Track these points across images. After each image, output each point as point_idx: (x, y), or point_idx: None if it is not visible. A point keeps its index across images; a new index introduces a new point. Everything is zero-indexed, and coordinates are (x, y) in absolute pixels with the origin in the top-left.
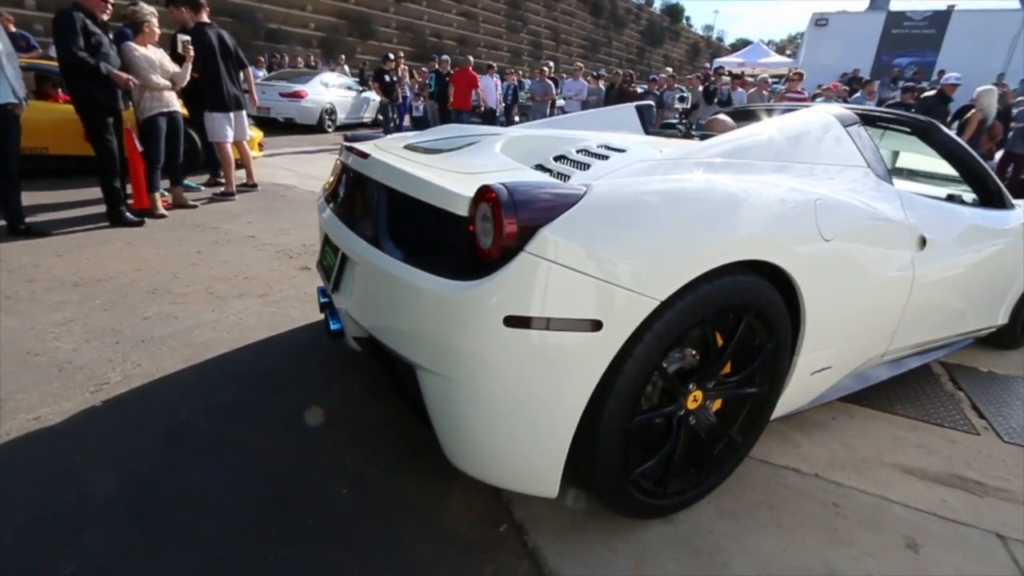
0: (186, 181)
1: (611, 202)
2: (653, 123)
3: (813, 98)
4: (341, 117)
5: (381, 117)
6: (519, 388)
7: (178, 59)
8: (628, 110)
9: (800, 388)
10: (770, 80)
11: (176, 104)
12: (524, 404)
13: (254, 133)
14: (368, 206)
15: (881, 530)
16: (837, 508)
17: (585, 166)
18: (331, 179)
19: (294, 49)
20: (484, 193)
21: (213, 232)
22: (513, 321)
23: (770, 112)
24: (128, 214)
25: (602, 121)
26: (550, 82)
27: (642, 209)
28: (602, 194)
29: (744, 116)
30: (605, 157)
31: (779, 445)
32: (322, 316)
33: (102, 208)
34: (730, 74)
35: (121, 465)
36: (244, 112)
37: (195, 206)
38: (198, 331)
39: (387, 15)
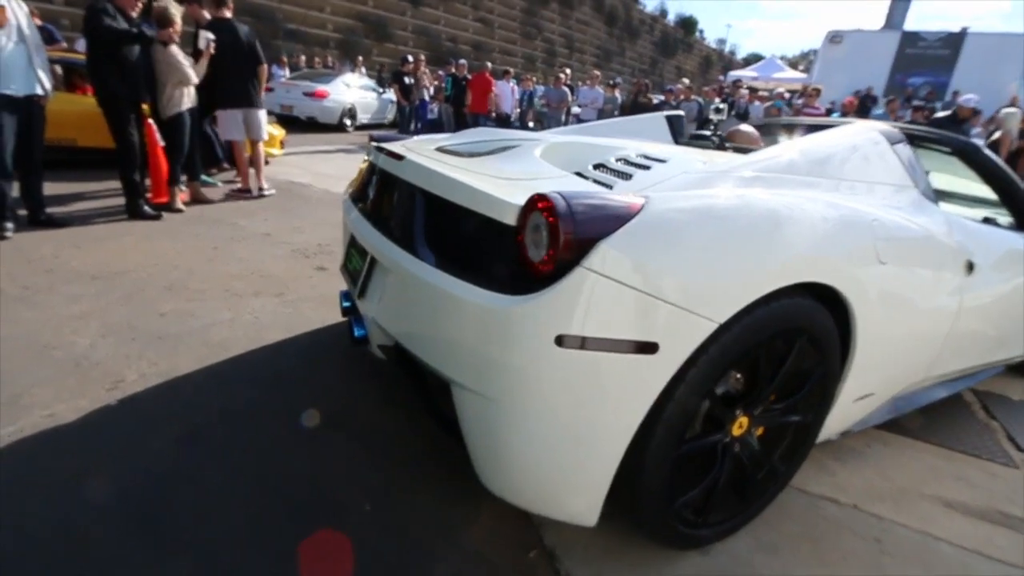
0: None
1: (671, 216)
2: (683, 134)
3: (828, 113)
4: (363, 118)
5: (399, 118)
6: (567, 411)
7: (195, 55)
8: (658, 119)
9: (842, 415)
10: (786, 94)
11: (195, 100)
12: (571, 429)
13: (276, 131)
14: (403, 210)
15: (929, 569)
16: (880, 544)
17: (627, 176)
18: (358, 179)
19: (312, 49)
20: (537, 202)
21: (229, 228)
22: (565, 340)
23: (791, 128)
24: (146, 207)
25: (632, 129)
26: (566, 89)
27: (703, 225)
28: (661, 207)
29: (773, 131)
30: (646, 167)
31: (815, 473)
32: (342, 320)
33: (121, 200)
34: (748, 88)
35: (133, 468)
36: (258, 111)
37: (212, 201)
38: (214, 330)
39: (404, 18)
